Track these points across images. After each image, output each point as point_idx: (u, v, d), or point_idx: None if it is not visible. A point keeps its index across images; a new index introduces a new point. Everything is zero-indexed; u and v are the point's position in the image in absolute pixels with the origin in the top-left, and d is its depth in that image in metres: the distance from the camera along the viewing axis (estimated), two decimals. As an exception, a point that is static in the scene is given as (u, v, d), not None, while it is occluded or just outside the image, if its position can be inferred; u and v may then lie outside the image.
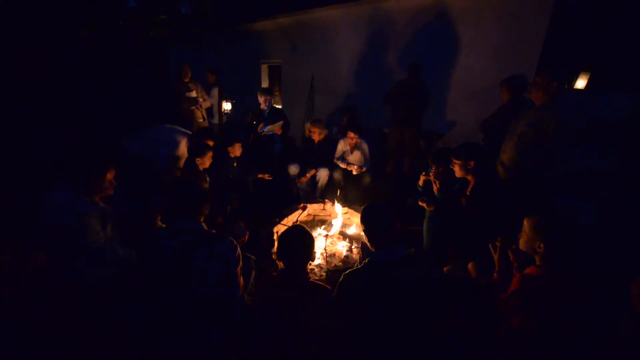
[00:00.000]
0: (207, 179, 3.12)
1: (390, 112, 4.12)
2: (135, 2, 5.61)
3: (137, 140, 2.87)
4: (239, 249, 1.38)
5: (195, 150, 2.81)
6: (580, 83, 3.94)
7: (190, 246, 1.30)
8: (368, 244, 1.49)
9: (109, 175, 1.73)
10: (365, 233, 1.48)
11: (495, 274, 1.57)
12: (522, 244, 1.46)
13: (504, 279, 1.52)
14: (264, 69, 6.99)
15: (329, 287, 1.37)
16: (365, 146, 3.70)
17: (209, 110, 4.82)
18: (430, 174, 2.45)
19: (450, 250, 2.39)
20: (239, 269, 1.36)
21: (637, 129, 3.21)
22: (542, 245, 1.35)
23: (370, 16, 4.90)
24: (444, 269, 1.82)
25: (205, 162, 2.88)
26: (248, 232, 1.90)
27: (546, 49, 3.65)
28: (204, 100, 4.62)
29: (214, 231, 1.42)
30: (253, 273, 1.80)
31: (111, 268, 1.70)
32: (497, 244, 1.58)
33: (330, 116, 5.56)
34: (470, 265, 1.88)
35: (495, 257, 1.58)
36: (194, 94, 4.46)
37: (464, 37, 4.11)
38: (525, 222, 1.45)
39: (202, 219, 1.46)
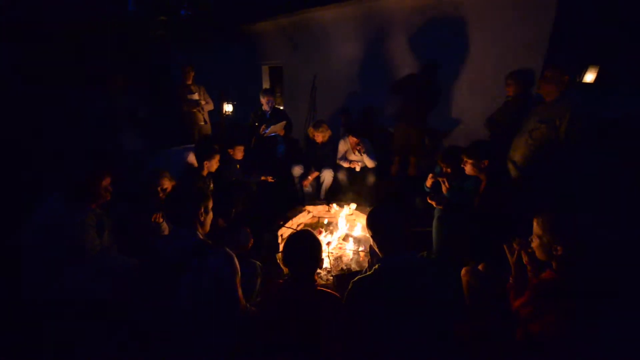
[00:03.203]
0: (211, 182, 3.10)
1: (396, 110, 4.05)
2: (134, 6, 5.61)
3: (156, 158, 3.09)
4: (235, 260, 1.31)
5: (204, 153, 2.87)
6: (589, 77, 3.84)
7: (181, 256, 1.25)
8: (376, 249, 1.43)
9: (105, 182, 1.68)
10: (372, 238, 1.42)
11: (511, 279, 1.48)
12: (535, 249, 1.35)
13: (519, 284, 1.44)
14: (265, 70, 6.95)
15: (337, 295, 1.31)
16: (367, 145, 3.62)
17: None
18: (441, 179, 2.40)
19: (461, 251, 2.32)
20: (237, 279, 1.30)
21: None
22: (560, 248, 1.27)
23: (371, 14, 4.83)
24: (462, 270, 1.74)
25: (213, 165, 2.94)
26: (252, 240, 1.84)
27: (553, 42, 3.56)
28: (206, 102, 4.58)
29: (210, 242, 1.36)
30: (258, 280, 1.74)
31: (108, 276, 1.65)
32: (515, 245, 1.48)
33: (333, 116, 5.51)
34: (481, 267, 1.81)
35: (512, 260, 1.49)
36: (196, 96, 4.42)
37: (468, 33, 4.04)
38: (535, 223, 1.34)
39: (200, 226, 1.40)
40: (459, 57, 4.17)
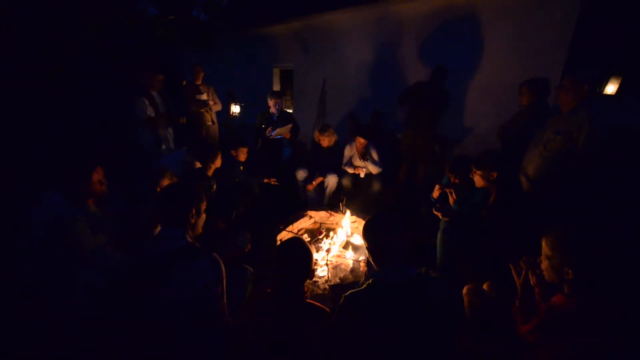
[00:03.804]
0: (214, 183, 3.08)
1: (405, 116, 3.95)
2: (155, 8, 5.72)
3: (168, 157, 3.28)
4: (222, 266, 1.25)
5: (208, 155, 2.89)
6: (611, 88, 3.66)
7: (168, 259, 1.19)
8: (371, 261, 1.34)
9: (96, 176, 1.65)
10: (367, 250, 1.33)
11: (517, 302, 1.37)
12: (544, 270, 1.25)
13: (526, 308, 1.33)
14: (276, 73, 6.96)
15: (327, 309, 1.23)
16: (373, 151, 3.55)
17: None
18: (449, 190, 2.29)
19: (465, 266, 2.20)
20: (222, 286, 1.24)
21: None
22: (571, 271, 1.15)
23: (383, 19, 4.77)
24: (464, 289, 1.63)
25: (217, 164, 2.97)
26: (250, 245, 1.77)
27: (573, 50, 3.41)
28: (215, 103, 4.60)
29: (197, 245, 1.30)
30: (249, 286, 1.68)
31: (102, 275, 1.61)
32: (522, 265, 1.36)
33: (342, 120, 5.45)
34: (486, 286, 1.70)
35: (518, 281, 1.38)
36: (204, 96, 4.44)
37: (483, 38, 3.92)
38: (544, 243, 1.24)
39: (190, 228, 1.35)
40: (473, 64, 4.05)
